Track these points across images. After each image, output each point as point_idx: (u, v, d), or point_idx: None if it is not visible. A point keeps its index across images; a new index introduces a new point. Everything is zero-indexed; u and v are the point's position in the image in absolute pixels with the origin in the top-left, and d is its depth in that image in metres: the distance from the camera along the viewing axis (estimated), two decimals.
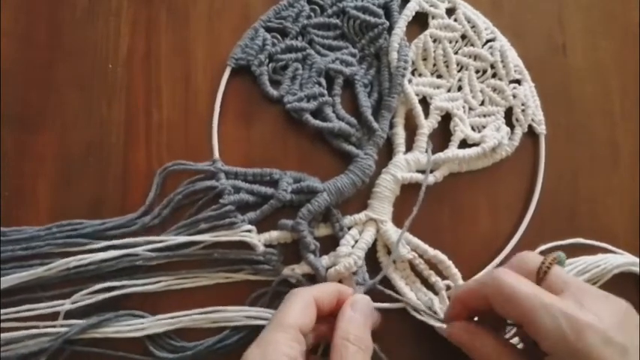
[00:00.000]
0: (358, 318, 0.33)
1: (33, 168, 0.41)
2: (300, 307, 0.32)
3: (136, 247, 0.38)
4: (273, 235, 0.39)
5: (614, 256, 0.40)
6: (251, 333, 0.38)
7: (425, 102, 0.43)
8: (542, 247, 0.41)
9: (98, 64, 0.43)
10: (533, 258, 0.33)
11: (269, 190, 0.40)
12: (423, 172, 0.40)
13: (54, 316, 0.38)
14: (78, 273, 0.38)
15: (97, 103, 0.42)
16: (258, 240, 0.39)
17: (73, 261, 0.38)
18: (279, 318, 0.31)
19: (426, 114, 0.42)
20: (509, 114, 0.43)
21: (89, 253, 0.38)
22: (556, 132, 0.43)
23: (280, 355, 0.29)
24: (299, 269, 0.39)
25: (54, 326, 0.37)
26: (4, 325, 0.37)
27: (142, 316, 0.38)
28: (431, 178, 0.41)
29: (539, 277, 0.31)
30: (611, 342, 0.28)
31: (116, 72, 0.43)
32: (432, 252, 0.39)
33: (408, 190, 0.41)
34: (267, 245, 0.39)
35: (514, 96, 0.43)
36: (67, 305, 0.38)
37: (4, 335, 0.37)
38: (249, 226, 0.39)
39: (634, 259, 0.40)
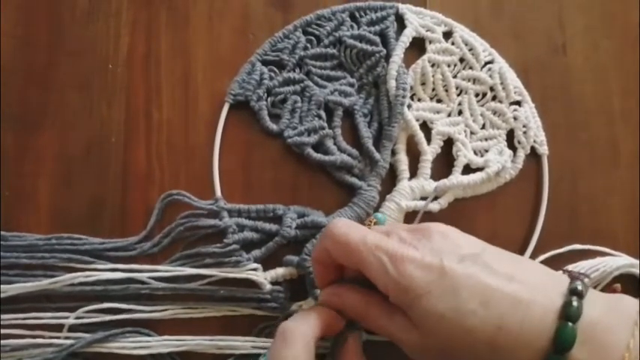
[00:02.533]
0: None
1: (33, 168, 0.41)
2: (304, 353, 0.29)
3: (141, 273, 0.38)
4: (279, 272, 0.39)
5: (613, 259, 0.40)
6: None
7: (425, 127, 0.43)
8: (541, 257, 0.41)
9: (98, 64, 0.43)
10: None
11: (273, 227, 0.40)
12: (427, 198, 0.40)
13: (58, 327, 0.38)
14: (83, 291, 0.38)
15: (97, 103, 0.42)
16: (264, 278, 0.38)
17: (79, 277, 0.38)
18: None
19: (428, 139, 0.42)
20: (510, 136, 0.43)
21: (94, 271, 0.38)
22: (556, 132, 0.43)
23: None
24: (306, 305, 0.38)
25: (58, 337, 0.38)
26: (10, 331, 0.38)
27: (149, 335, 0.38)
28: (436, 206, 0.40)
29: None
30: (428, 266, 0.29)
31: (116, 72, 0.43)
32: None
33: (413, 217, 0.40)
34: (274, 282, 0.39)
35: (515, 118, 0.43)
36: (71, 319, 0.38)
37: (11, 341, 0.37)
38: (255, 265, 0.39)
39: (633, 260, 0.40)
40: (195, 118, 0.42)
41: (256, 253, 0.39)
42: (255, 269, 0.39)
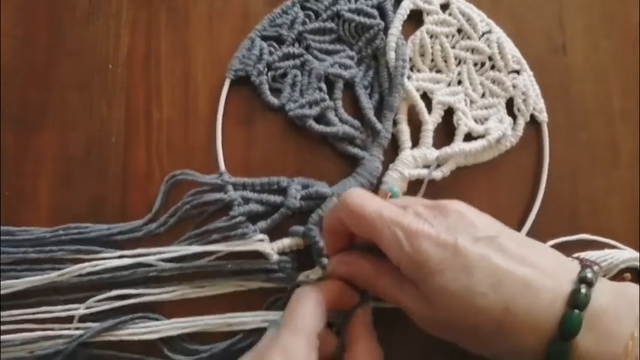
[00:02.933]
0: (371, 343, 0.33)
1: (33, 168, 0.41)
2: (315, 310, 0.32)
3: (148, 256, 0.38)
4: (286, 242, 0.39)
5: (619, 252, 0.40)
6: None
7: (425, 97, 0.43)
8: (550, 242, 0.41)
9: (98, 64, 0.43)
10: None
11: (278, 199, 0.40)
12: (429, 167, 0.40)
13: (68, 319, 0.38)
14: (91, 280, 0.38)
15: (97, 103, 0.42)
16: (271, 249, 0.38)
17: (87, 267, 0.38)
18: (296, 322, 0.31)
19: (428, 109, 0.42)
20: (510, 104, 0.43)
21: (101, 260, 0.38)
22: (556, 132, 0.43)
23: None
24: (313, 274, 0.38)
25: (69, 328, 0.38)
26: (20, 326, 0.38)
27: (157, 319, 0.38)
28: (438, 173, 0.41)
29: None
30: (442, 244, 0.29)
31: (116, 72, 0.43)
32: None
33: (415, 186, 0.40)
34: (280, 253, 0.39)
35: (514, 86, 0.43)
36: (81, 310, 0.38)
37: (21, 335, 0.37)
38: (262, 236, 0.39)
39: (637, 254, 0.40)
40: (195, 118, 0.42)
41: (262, 224, 0.39)
42: (261, 240, 0.39)
